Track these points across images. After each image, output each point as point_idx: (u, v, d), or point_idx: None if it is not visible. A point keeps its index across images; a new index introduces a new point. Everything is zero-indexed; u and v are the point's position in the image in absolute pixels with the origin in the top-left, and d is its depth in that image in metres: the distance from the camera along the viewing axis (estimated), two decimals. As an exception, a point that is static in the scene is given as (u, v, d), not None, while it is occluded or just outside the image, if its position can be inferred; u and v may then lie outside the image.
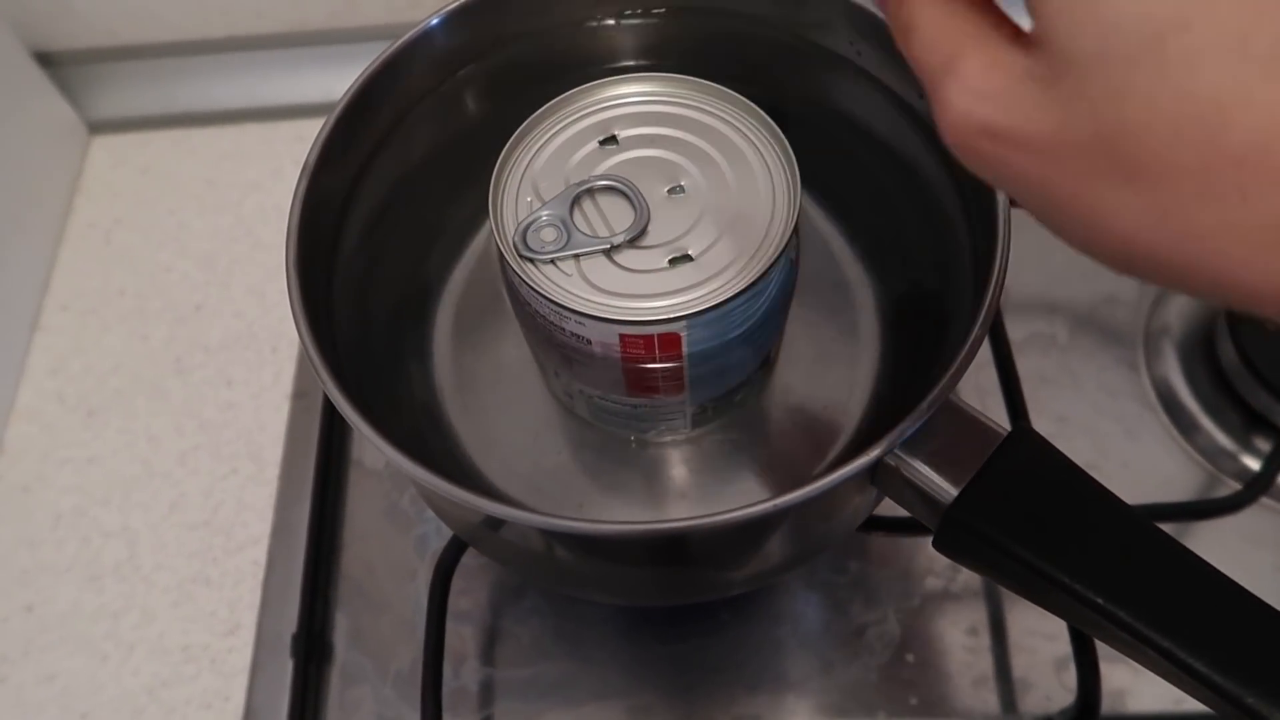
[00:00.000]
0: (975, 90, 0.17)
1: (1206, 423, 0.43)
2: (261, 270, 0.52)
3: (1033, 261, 0.47)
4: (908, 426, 0.25)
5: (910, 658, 0.39)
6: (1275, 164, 0.14)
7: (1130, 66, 0.15)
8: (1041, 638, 0.39)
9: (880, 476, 0.27)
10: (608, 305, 0.28)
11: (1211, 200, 0.14)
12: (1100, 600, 0.24)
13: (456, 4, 0.32)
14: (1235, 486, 0.41)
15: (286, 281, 0.28)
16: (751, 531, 0.28)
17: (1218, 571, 0.24)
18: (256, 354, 0.49)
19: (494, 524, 0.30)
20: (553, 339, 0.30)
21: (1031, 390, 0.42)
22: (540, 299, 0.28)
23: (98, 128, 0.58)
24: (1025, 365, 0.43)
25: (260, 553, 0.44)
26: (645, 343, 0.28)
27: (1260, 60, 0.14)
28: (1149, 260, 0.16)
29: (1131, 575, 0.24)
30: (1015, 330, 0.45)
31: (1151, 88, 0.15)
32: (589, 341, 0.29)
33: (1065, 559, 0.24)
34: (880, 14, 0.20)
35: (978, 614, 0.40)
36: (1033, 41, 0.16)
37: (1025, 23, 0.17)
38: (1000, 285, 0.27)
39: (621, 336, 0.28)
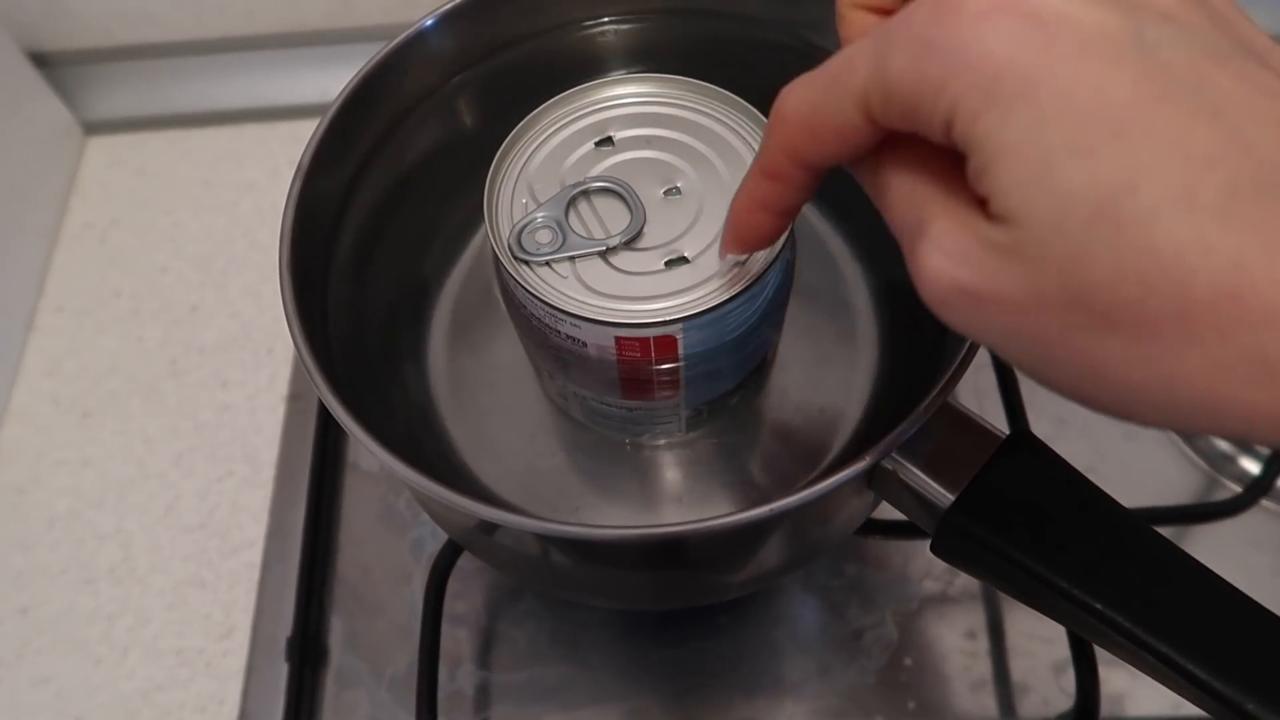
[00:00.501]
0: (946, 251, 0.17)
1: (1206, 425, 0.43)
2: (257, 271, 0.52)
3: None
4: (905, 430, 0.25)
5: (908, 661, 0.39)
6: (1247, 305, 0.15)
7: (1088, 231, 0.15)
8: (1040, 641, 0.39)
9: (877, 480, 0.27)
10: (603, 308, 0.27)
11: (1193, 343, 0.15)
12: (1099, 605, 0.23)
13: (451, 5, 0.32)
14: (1234, 489, 0.41)
15: (280, 285, 0.28)
16: (748, 536, 0.28)
17: (1218, 577, 0.24)
18: (252, 355, 0.49)
19: (488, 528, 0.30)
20: (547, 341, 0.30)
21: (1029, 391, 0.42)
22: (535, 301, 0.28)
23: (93, 128, 0.57)
24: (1024, 367, 0.43)
25: (255, 555, 0.44)
26: (641, 345, 0.28)
27: (1209, 210, 0.15)
28: (1145, 404, 0.16)
29: (1130, 580, 0.24)
30: (1014, 332, 0.45)
31: (1113, 248, 0.15)
32: (584, 344, 0.28)
33: (1064, 564, 0.24)
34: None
35: (976, 617, 0.40)
36: (990, 213, 0.17)
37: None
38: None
39: (617, 339, 0.28)
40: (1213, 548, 0.40)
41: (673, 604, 0.38)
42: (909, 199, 0.18)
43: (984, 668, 0.39)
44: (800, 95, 0.19)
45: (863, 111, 0.18)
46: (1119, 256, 0.15)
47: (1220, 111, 0.15)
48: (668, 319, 0.27)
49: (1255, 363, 0.15)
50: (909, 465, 0.26)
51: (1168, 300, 0.15)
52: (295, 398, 0.47)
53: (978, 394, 0.43)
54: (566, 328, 0.28)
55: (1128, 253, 0.15)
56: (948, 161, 0.18)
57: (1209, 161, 0.15)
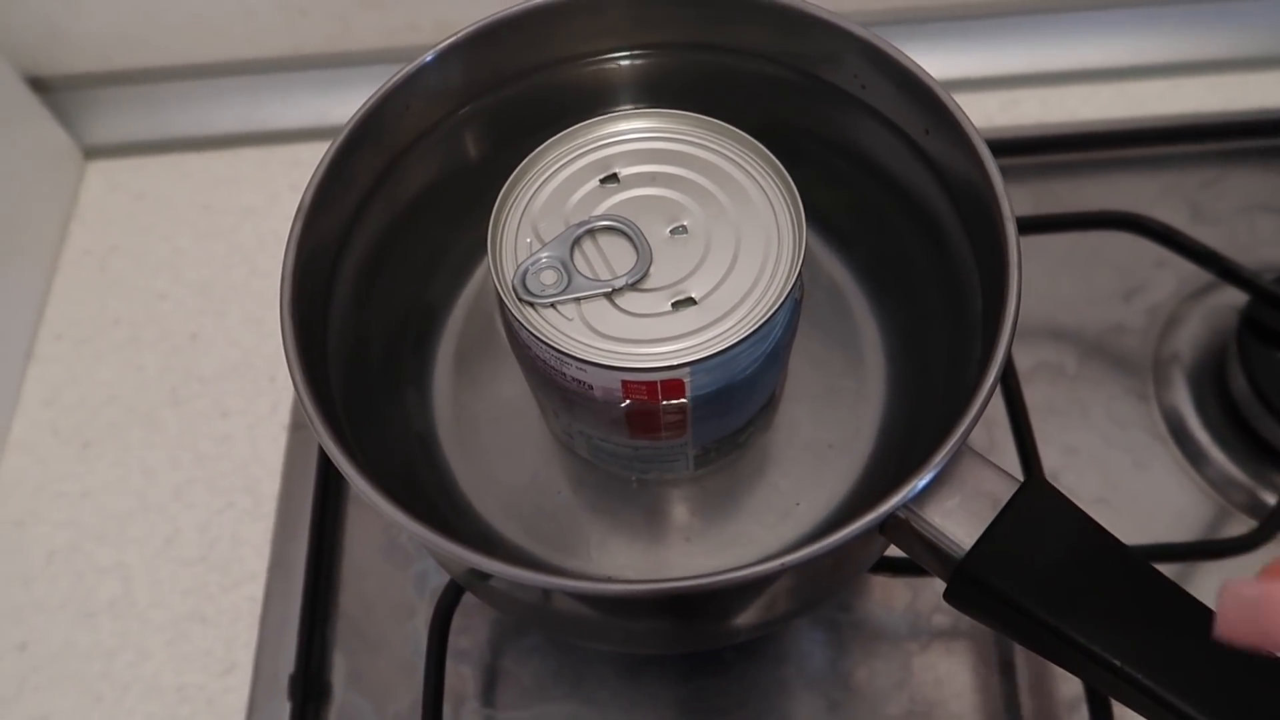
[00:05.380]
0: None
1: (1218, 455, 0.42)
2: (258, 298, 0.51)
3: (1040, 289, 0.46)
4: (920, 480, 0.24)
5: (917, 698, 0.38)
6: None
7: None
8: (1052, 678, 0.38)
9: (890, 529, 0.26)
10: (610, 351, 0.27)
11: None
12: (1118, 663, 0.23)
13: (452, 39, 0.31)
14: (1247, 519, 0.41)
15: (281, 329, 0.27)
16: (756, 586, 0.27)
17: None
18: (253, 384, 0.49)
19: (485, 575, 0.29)
20: (553, 382, 0.29)
21: (1039, 421, 0.41)
22: (540, 344, 0.27)
23: (93, 153, 0.57)
24: (1033, 395, 0.42)
25: (257, 589, 0.43)
26: (648, 389, 0.28)
27: None
28: None
29: (1150, 637, 0.23)
30: (1022, 359, 0.45)
31: None
32: (590, 387, 0.28)
33: (1082, 620, 0.23)
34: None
35: (986, 653, 0.39)
36: None
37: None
38: (1012, 334, 0.26)
39: (624, 383, 0.27)
40: (1227, 582, 0.39)
41: (678, 649, 0.38)
42: None
43: (995, 704, 0.38)
44: None
45: None
46: None
47: None
48: (675, 363, 0.27)
49: None
50: (922, 514, 0.25)
51: None
52: (297, 427, 0.47)
53: (988, 424, 0.43)
54: (572, 370, 0.28)
55: None
56: None
57: None
